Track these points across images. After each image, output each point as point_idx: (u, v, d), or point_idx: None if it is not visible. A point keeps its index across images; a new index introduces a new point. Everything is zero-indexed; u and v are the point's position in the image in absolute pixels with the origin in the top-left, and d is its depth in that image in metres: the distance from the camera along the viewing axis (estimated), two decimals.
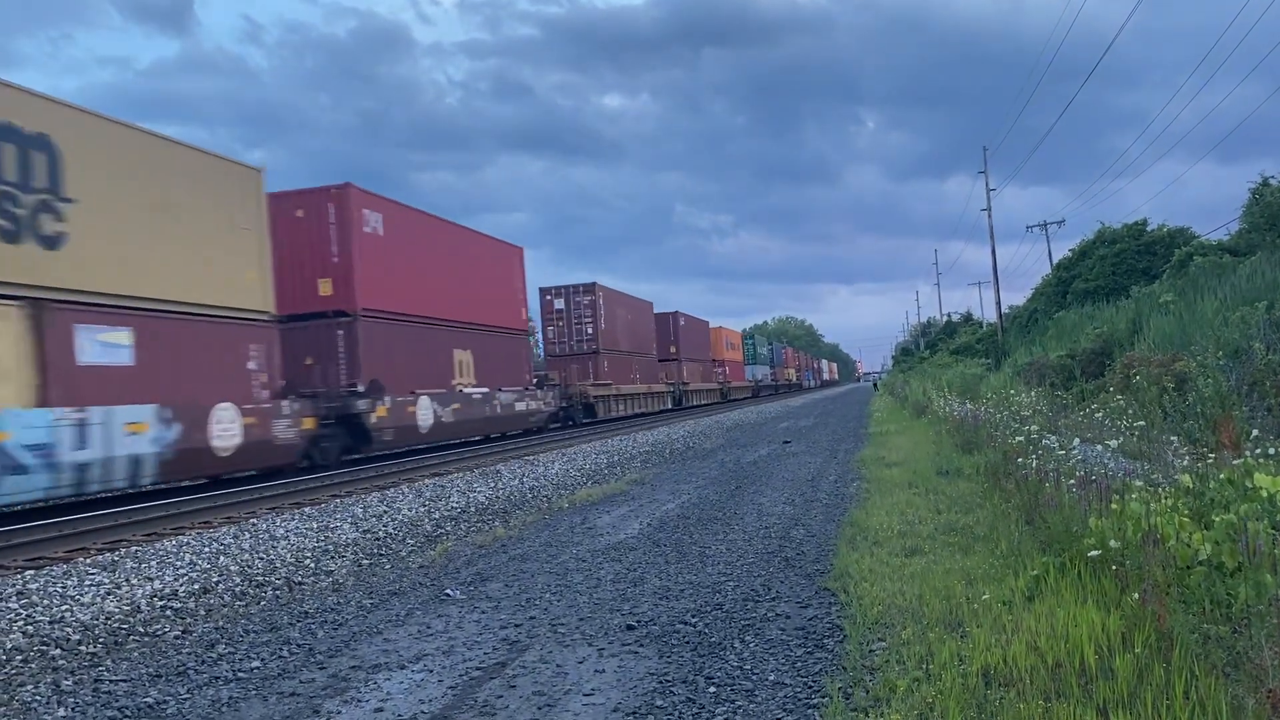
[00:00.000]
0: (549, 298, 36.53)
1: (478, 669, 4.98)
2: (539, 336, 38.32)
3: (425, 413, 21.07)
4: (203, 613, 6.93)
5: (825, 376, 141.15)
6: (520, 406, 26.84)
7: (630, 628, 5.59)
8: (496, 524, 10.61)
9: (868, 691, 4.12)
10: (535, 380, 29.19)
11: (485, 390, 24.47)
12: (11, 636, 6.24)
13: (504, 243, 28.07)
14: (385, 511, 11.68)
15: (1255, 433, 7.59)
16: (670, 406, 45.06)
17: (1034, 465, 7.68)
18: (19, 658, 5.80)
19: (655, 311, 46.01)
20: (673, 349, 47.57)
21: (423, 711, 4.37)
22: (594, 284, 36.26)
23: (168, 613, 6.90)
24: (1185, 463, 6.88)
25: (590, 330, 35.77)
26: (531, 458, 19.44)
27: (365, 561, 8.75)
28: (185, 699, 4.82)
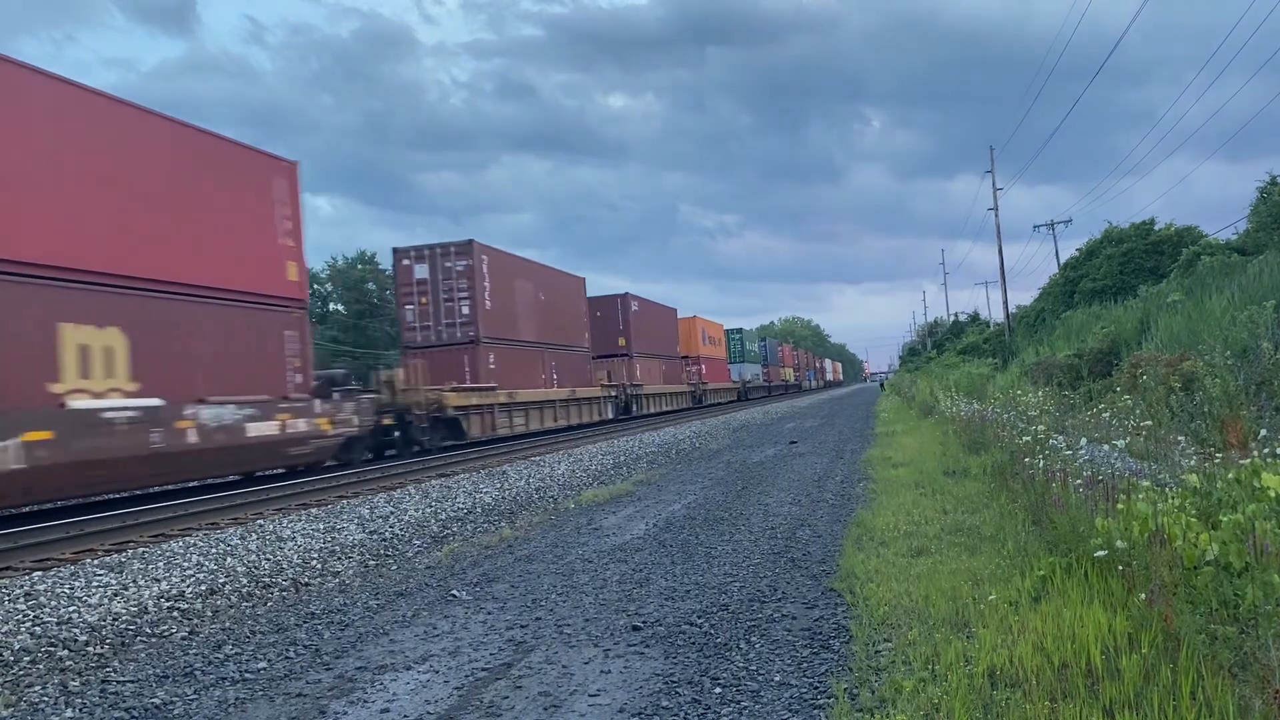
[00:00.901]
0: (406, 262, 25.27)
1: (484, 670, 4.98)
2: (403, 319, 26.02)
3: None
4: (210, 614, 6.95)
5: (829, 377, 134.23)
6: (261, 430, 15.27)
7: (636, 628, 5.60)
8: (503, 525, 10.62)
9: (873, 692, 4.11)
10: (315, 384, 17.48)
11: (153, 404, 13.13)
12: (19, 637, 6.26)
13: (245, 147, 16.48)
14: (392, 513, 11.70)
15: (1263, 432, 7.56)
16: (611, 416, 34.77)
17: (1041, 465, 7.65)
18: (27, 658, 5.82)
19: (592, 295, 35.64)
20: (621, 341, 37.78)
21: (429, 712, 4.37)
22: (470, 242, 25.02)
23: (175, 614, 6.92)
24: (1192, 463, 6.84)
25: (467, 310, 24.73)
26: (538, 459, 19.45)
27: (372, 562, 8.77)
28: (192, 699, 4.84)
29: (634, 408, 38.15)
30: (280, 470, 17.31)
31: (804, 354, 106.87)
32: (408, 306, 25.32)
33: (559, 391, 29.83)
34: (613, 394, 35.08)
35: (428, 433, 21.83)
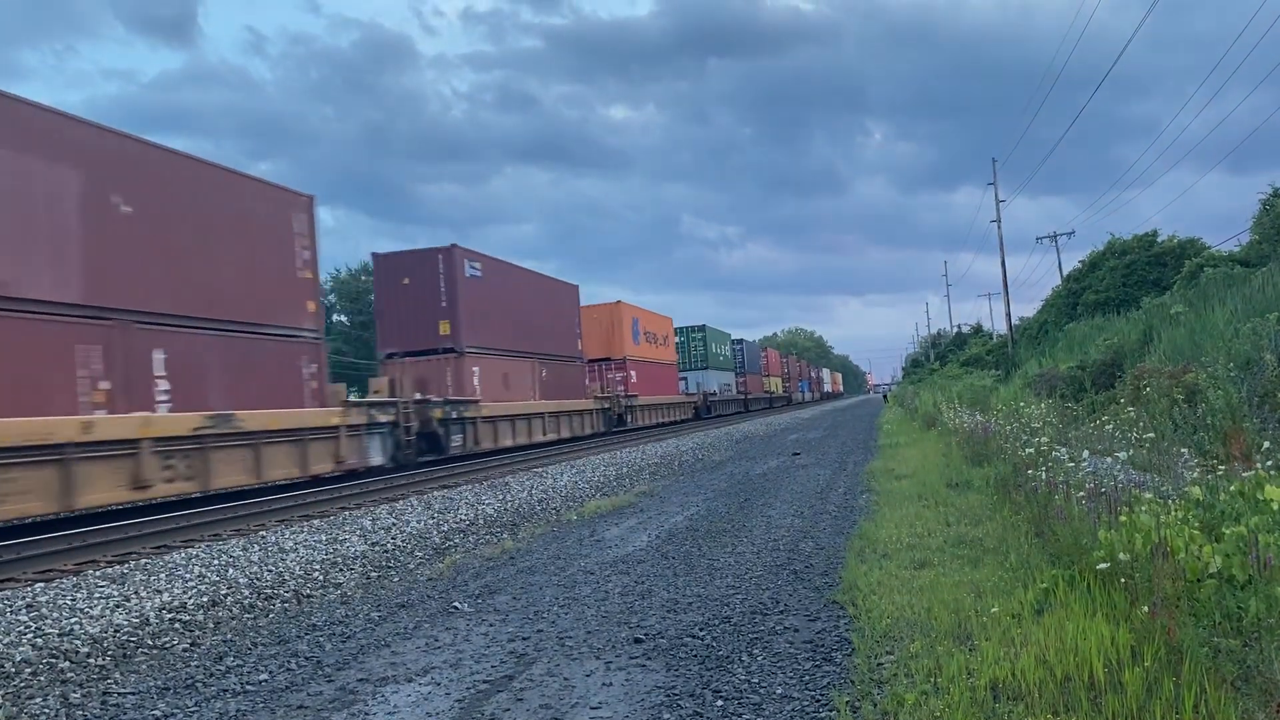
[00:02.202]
0: None
1: (485, 682, 4.97)
2: None
3: None
4: (211, 625, 6.95)
5: (826, 388, 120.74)
6: None
7: (638, 640, 5.59)
8: (505, 536, 10.61)
9: (875, 705, 4.10)
10: None
11: None
12: (21, 649, 6.26)
13: None
14: (393, 524, 11.69)
15: (1266, 445, 7.54)
16: (382, 460, 18.50)
17: (1043, 478, 7.64)
18: (28, 670, 5.82)
19: (389, 250, 22.24)
20: (444, 329, 22.76)
21: None
22: None
23: (176, 625, 6.92)
24: (1195, 475, 6.83)
25: None
26: (540, 470, 19.43)
27: (373, 574, 8.76)
28: (193, 711, 4.84)
29: (459, 439, 21.82)
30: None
31: (795, 362, 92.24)
32: None
33: (170, 422, 12.97)
34: (385, 420, 18.70)
35: None
